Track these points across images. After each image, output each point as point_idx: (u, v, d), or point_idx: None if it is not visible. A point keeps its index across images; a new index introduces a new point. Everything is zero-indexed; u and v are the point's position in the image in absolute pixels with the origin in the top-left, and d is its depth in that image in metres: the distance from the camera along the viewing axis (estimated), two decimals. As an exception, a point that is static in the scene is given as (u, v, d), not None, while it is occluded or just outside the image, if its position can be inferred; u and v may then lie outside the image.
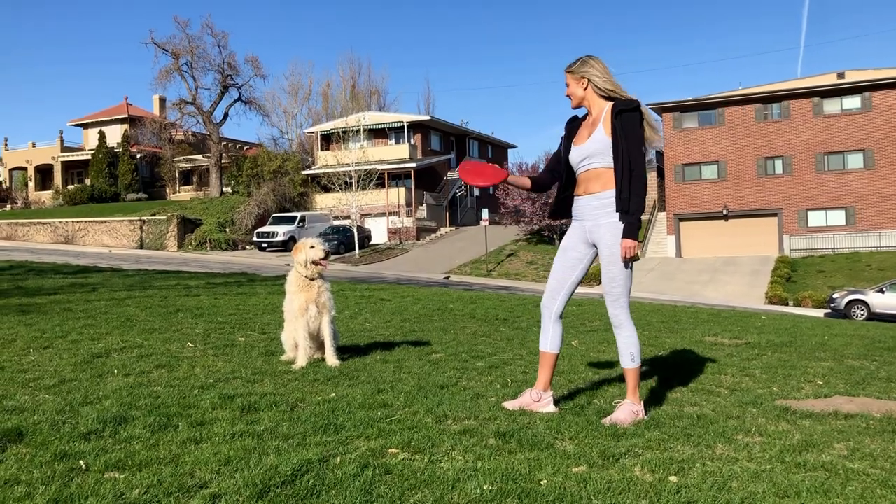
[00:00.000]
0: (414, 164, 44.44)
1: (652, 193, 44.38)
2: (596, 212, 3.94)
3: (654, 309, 12.80)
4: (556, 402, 4.20)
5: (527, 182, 4.35)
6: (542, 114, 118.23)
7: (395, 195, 43.66)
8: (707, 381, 5.27)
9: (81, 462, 2.88)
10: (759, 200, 39.08)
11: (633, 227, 3.85)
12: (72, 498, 2.51)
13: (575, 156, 4.05)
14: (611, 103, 3.92)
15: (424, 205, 45.41)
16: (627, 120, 3.84)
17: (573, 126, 4.15)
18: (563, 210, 4.25)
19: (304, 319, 5.32)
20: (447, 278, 28.05)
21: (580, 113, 4.17)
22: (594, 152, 3.93)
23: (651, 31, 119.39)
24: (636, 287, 26.56)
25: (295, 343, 5.38)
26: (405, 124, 47.84)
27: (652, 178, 45.19)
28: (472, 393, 4.45)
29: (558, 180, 4.23)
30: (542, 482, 2.81)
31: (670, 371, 5.67)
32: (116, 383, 4.44)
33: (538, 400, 4.09)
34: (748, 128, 39.33)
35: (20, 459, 2.91)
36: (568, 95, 4.07)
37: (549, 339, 4.16)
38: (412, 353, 6.08)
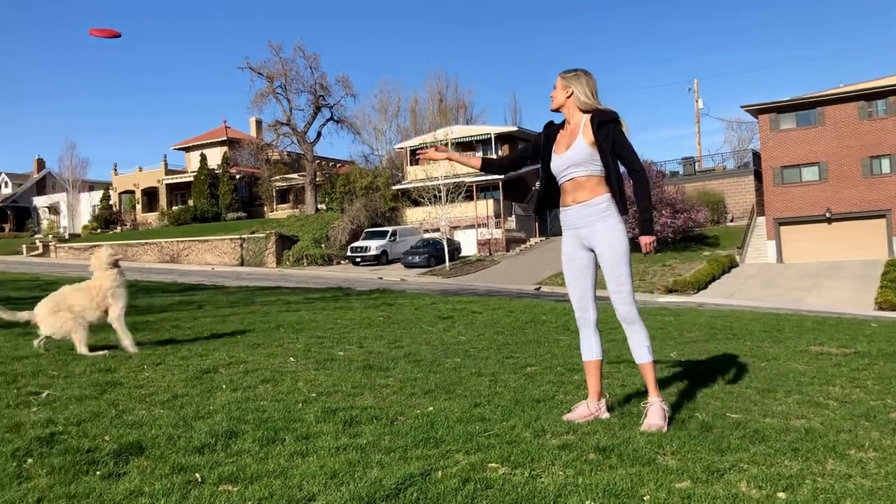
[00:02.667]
0: (502, 176, 44.45)
1: (749, 198, 42.95)
2: (589, 218, 4.07)
3: (756, 317, 12.37)
4: (611, 409, 4.27)
5: (476, 162, 4.68)
6: (633, 121, 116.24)
7: (484, 207, 43.79)
8: (814, 393, 5.07)
9: (197, 475, 3.03)
10: (865, 202, 37.21)
11: (650, 223, 4.09)
12: (191, 509, 2.65)
13: (557, 165, 4.19)
14: (589, 115, 4.08)
15: (513, 216, 45.36)
16: (610, 131, 4.00)
17: (550, 132, 4.31)
18: (546, 206, 4.46)
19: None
20: (538, 289, 27.89)
21: (557, 119, 4.34)
22: (577, 161, 4.07)
23: (746, 33, 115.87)
24: (736, 295, 25.73)
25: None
26: (492, 136, 47.99)
27: (749, 181, 43.74)
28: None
29: (514, 170, 4.67)
30: (644, 498, 2.78)
31: (774, 382, 5.49)
32: (225, 398, 4.64)
33: (596, 411, 4.15)
34: (851, 126, 37.53)
35: (142, 472, 3.09)
36: (551, 97, 4.24)
37: (592, 348, 4.27)
38: (507, 366, 6.09)
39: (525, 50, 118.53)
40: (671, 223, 35.67)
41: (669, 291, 27.35)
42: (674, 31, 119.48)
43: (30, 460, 3.26)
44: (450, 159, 4.81)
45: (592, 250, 4.16)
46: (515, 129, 49.91)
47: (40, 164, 74.79)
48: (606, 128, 4.00)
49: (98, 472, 3.08)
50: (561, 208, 4.26)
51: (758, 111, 39.54)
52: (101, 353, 6.32)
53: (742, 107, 40.72)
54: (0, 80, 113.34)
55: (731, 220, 43.03)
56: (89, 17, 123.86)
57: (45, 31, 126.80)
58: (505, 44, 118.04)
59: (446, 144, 41.95)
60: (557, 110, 4.22)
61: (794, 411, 4.46)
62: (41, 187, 72.38)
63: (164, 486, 2.89)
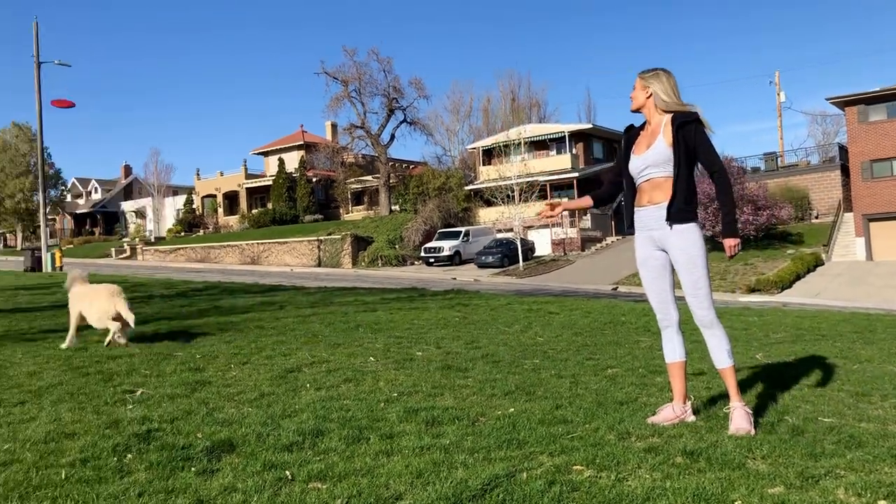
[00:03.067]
0: (576, 174, 44.07)
1: (835, 193, 41.33)
2: (663, 220, 3.99)
3: (845, 318, 11.89)
4: (696, 412, 4.18)
5: (587, 202, 4.59)
6: (711, 116, 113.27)
7: (559, 206, 43.37)
8: (914, 398, 4.85)
9: (287, 472, 3.11)
10: (964, 195, 35.31)
11: (734, 225, 3.99)
12: (283, 505, 2.72)
13: (635, 165, 4.12)
14: (670, 115, 4.00)
15: (588, 214, 44.82)
16: (691, 132, 3.92)
17: (630, 135, 4.24)
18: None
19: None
20: (615, 290, 27.49)
21: (637, 122, 4.27)
22: (655, 162, 4.01)
23: (829, 23, 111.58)
24: (822, 294, 24.80)
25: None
26: (566, 134, 47.56)
27: (835, 176, 42.10)
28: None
29: (621, 191, 4.35)
30: (735, 503, 2.71)
31: (868, 385, 5.28)
32: (310, 397, 4.74)
33: (681, 414, 4.07)
34: (947, 115, 35.69)
35: (234, 468, 3.19)
36: (631, 97, 4.17)
37: (675, 349, 4.18)
38: (587, 368, 6.03)
39: (599, 45, 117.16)
40: (753, 220, 34.61)
41: (752, 291, 26.56)
42: (754, 21, 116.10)
43: (129, 455, 3.40)
44: (567, 209, 4.62)
45: (666, 251, 4.10)
46: (590, 126, 49.34)
47: (127, 170, 77.91)
48: (687, 129, 3.93)
49: (193, 469, 3.19)
50: (636, 208, 4.19)
51: (844, 103, 38.00)
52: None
53: (827, 99, 39.22)
54: (90, 90, 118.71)
55: (816, 217, 41.46)
56: (171, 26, 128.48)
57: (134, 42, 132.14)
58: (578, 40, 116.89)
59: (519, 144, 41.79)
60: (638, 111, 4.16)
61: (893, 416, 4.28)
62: (128, 192, 75.44)
63: (256, 482, 2.97)
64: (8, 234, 74.04)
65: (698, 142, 3.92)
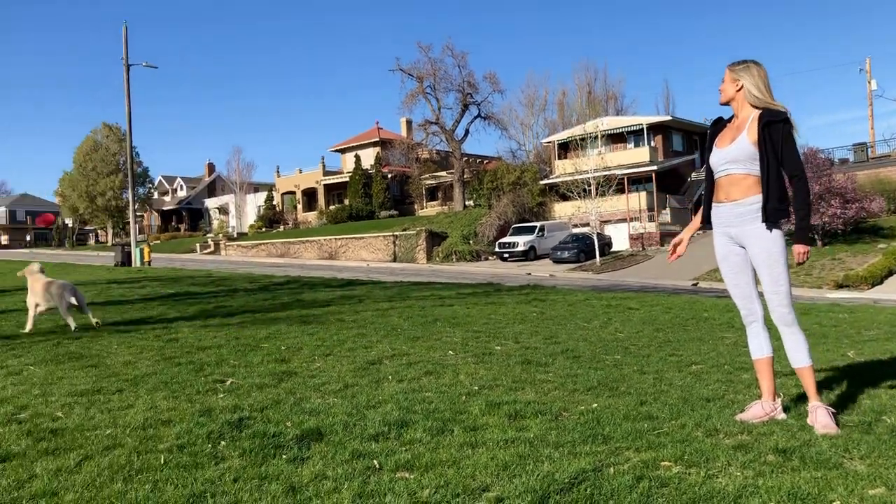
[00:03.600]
0: (655, 167, 43.16)
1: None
2: (741, 218, 3.93)
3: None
4: (786, 410, 4.07)
5: (698, 222, 4.36)
6: (796, 106, 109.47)
7: (636, 200, 42.65)
8: None
9: (375, 461, 3.17)
10: None
11: (805, 232, 3.86)
12: (372, 494, 2.78)
13: (717, 158, 4.03)
14: (758, 111, 3.88)
15: (667, 208, 43.89)
16: (777, 131, 3.82)
17: (717, 128, 4.14)
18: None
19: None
20: (696, 285, 26.86)
21: (725, 115, 4.15)
22: (736, 158, 3.92)
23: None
24: (917, 290, 23.66)
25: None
26: (644, 126, 46.65)
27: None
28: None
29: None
30: (834, 503, 2.63)
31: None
32: (392, 388, 4.81)
33: (771, 411, 3.97)
34: None
35: (324, 457, 3.27)
36: (720, 90, 4.07)
37: (762, 345, 4.10)
38: (670, 364, 5.93)
39: (678, 36, 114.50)
40: (841, 214, 33.24)
41: (839, 287, 25.53)
42: (841, 5, 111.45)
43: (223, 443, 3.53)
44: (686, 240, 4.38)
45: (745, 247, 4.01)
46: (669, 118, 48.27)
47: (210, 167, 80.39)
48: (774, 128, 3.83)
49: (284, 456, 3.29)
50: (713, 203, 4.11)
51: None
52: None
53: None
54: (172, 86, 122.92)
55: (911, 210, 39.55)
56: (244, 29, 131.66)
57: (211, 41, 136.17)
58: (656, 31, 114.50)
59: (596, 137, 41.20)
60: (727, 104, 4.07)
61: None
62: (212, 189, 77.82)
63: (345, 471, 3.04)
64: (99, 231, 77.47)
65: (784, 143, 3.82)
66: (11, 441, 3.61)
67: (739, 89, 3.98)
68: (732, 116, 4.10)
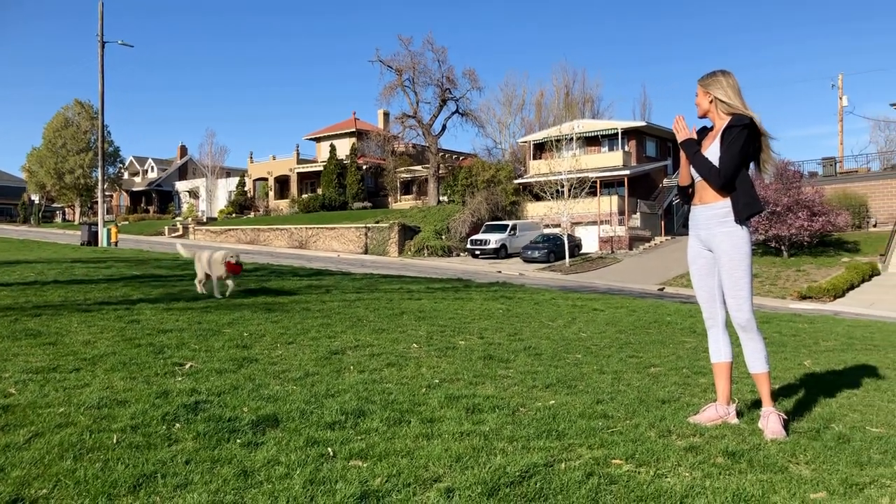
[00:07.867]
0: (627, 172, 43.52)
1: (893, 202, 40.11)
2: (709, 221, 4.06)
3: (900, 330, 11.56)
4: (740, 414, 4.16)
5: (686, 175, 4.29)
6: (776, 112, 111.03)
7: (608, 203, 43.01)
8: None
9: (329, 449, 3.17)
10: None
11: (694, 150, 4.04)
12: (323, 480, 2.79)
13: None
14: (729, 119, 3.98)
15: (638, 213, 44.30)
16: (731, 134, 3.91)
17: (701, 138, 4.23)
18: (686, 199, 4.38)
19: None
20: (662, 290, 27.15)
21: (709, 124, 4.23)
22: None
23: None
24: (876, 305, 24.14)
25: None
26: (619, 130, 47.02)
27: (897, 184, 40.83)
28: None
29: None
30: (776, 506, 2.69)
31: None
32: (353, 379, 4.81)
33: (725, 415, 4.07)
34: None
35: (278, 443, 3.26)
36: (696, 104, 4.18)
37: (721, 349, 4.22)
38: (629, 365, 6.00)
39: (656, 42, 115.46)
40: (808, 226, 33.80)
41: (803, 298, 25.98)
42: (816, 22, 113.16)
43: (177, 425, 3.51)
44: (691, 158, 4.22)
45: (712, 251, 4.13)
46: (643, 124, 48.66)
47: (183, 150, 79.45)
48: (729, 132, 3.93)
49: (238, 440, 3.28)
50: (692, 206, 4.26)
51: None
52: None
53: (892, 104, 38.06)
54: (148, 68, 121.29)
55: (875, 226, 40.32)
56: (230, 7, 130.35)
57: (189, 25, 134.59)
58: (635, 33, 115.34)
59: (571, 139, 41.43)
60: (704, 116, 4.18)
61: (944, 430, 4.17)
62: (183, 172, 76.97)
63: (298, 457, 3.04)
64: (67, 209, 76.28)
65: (728, 144, 3.90)
66: (-39, 415, 3.56)
67: (712, 101, 4.08)
68: (714, 126, 4.19)
